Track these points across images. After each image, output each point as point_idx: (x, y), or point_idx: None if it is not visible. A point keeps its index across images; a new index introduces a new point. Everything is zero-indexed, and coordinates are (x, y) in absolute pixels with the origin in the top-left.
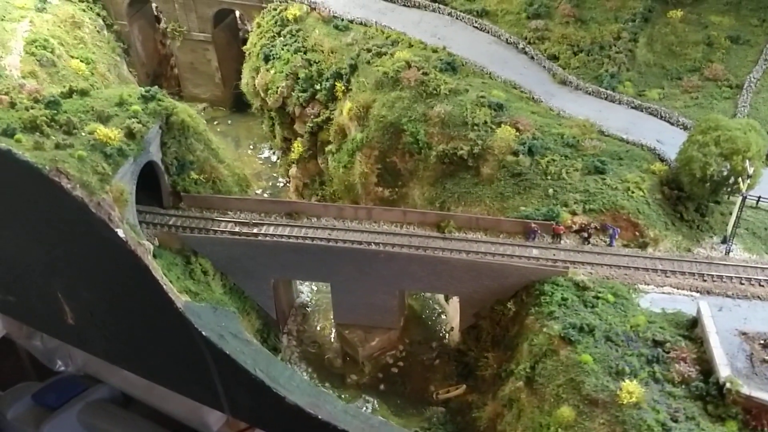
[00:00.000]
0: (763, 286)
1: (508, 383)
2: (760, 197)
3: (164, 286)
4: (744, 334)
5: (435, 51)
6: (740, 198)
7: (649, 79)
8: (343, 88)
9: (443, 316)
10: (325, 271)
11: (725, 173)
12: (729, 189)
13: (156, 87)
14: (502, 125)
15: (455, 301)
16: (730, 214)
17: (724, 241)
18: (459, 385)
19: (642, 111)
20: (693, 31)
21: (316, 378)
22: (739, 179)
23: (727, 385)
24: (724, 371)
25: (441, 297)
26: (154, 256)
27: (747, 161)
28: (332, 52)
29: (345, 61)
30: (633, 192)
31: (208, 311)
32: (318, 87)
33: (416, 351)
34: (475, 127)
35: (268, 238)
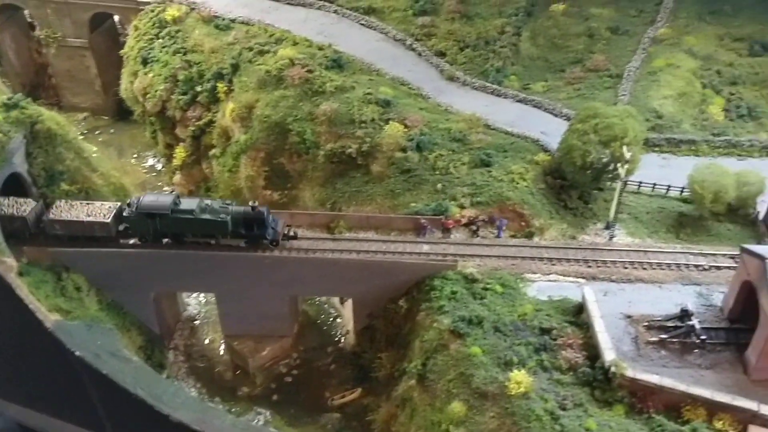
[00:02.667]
0: (645, 269)
1: (401, 383)
2: (641, 182)
3: (31, 306)
4: (629, 317)
5: (321, 49)
6: (621, 184)
7: (533, 72)
8: (225, 88)
9: (339, 320)
10: (209, 280)
11: (605, 160)
12: (610, 175)
13: (19, 94)
14: (391, 122)
15: (350, 303)
16: (613, 200)
17: (607, 227)
18: (355, 389)
19: (527, 104)
20: (575, 24)
21: (206, 393)
22: (618, 165)
23: (613, 368)
24: (609, 355)
25: (336, 300)
26: (21, 273)
27: (624, 147)
28: (213, 53)
29: (226, 61)
30: (518, 183)
31: (81, 330)
32: (199, 89)
33: (311, 357)
34: (363, 125)
35: (146, 250)
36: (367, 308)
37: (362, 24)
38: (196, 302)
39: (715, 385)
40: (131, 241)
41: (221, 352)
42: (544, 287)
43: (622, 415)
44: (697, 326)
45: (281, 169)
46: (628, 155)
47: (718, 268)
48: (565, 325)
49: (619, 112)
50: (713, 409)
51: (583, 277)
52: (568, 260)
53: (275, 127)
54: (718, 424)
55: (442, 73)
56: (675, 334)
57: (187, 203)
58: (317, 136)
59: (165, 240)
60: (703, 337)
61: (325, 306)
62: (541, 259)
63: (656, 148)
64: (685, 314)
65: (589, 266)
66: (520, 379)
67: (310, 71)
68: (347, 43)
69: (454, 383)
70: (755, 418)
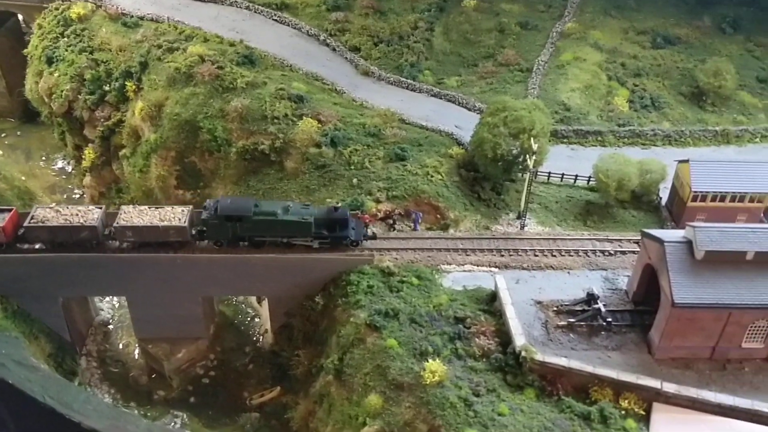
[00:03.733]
0: (555, 256)
1: (318, 379)
2: (550, 173)
3: None
4: (539, 303)
5: (232, 45)
6: (530, 175)
7: (447, 67)
8: (134, 87)
9: (257, 319)
10: (119, 284)
11: (515, 152)
12: (520, 167)
13: None
14: (304, 118)
15: (267, 302)
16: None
17: (519, 217)
18: (273, 388)
19: (441, 99)
20: (486, 19)
21: (120, 399)
22: (527, 156)
23: (523, 353)
24: (519, 341)
25: (254, 299)
26: None
27: (532, 139)
28: (121, 51)
29: (135, 59)
30: (432, 176)
31: None
32: (107, 88)
33: (230, 358)
34: (276, 121)
35: (51, 254)
36: (283, 306)
37: (275, 20)
38: (109, 306)
39: (621, 365)
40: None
41: (136, 357)
42: (460, 277)
43: (533, 399)
44: (603, 309)
45: (193, 168)
46: (535, 146)
47: (623, 253)
48: (478, 313)
49: (527, 105)
50: (619, 388)
51: (497, 266)
52: (482, 250)
53: (185, 125)
54: (624, 403)
55: (356, 68)
56: (582, 318)
57: (269, 205)
58: (229, 134)
59: (242, 243)
60: (608, 319)
61: (243, 306)
62: (456, 250)
63: (565, 140)
64: (591, 298)
65: (502, 255)
66: (434, 368)
67: (220, 68)
68: (260, 39)
69: (370, 376)
70: (659, 395)
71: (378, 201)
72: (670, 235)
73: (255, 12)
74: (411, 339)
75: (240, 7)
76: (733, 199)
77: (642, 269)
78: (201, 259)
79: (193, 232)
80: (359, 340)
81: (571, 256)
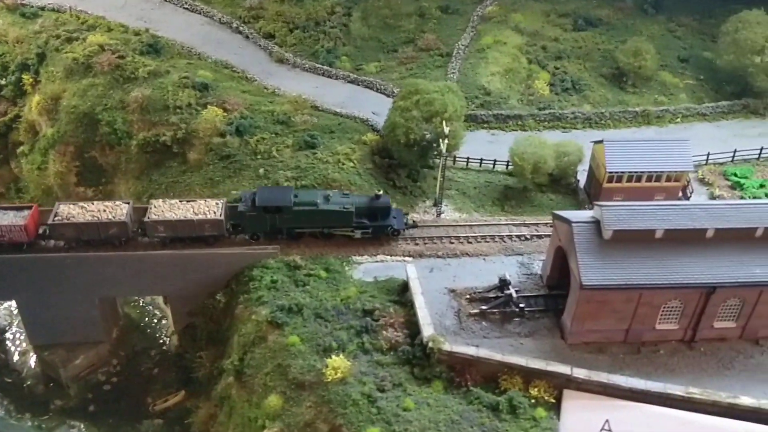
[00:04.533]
0: (471, 242)
1: (220, 381)
2: (469, 158)
3: None
4: (453, 291)
5: (137, 34)
6: (443, 160)
7: (366, 52)
8: (31, 80)
9: (165, 321)
10: (6, 287)
11: (428, 136)
12: (436, 153)
13: None
14: (209, 106)
15: None
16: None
17: (435, 204)
18: (178, 392)
19: (359, 84)
20: (406, 4)
21: (14, 410)
22: (444, 141)
23: (430, 344)
24: (427, 331)
25: (161, 299)
26: None
27: (444, 122)
28: (18, 42)
29: (32, 50)
30: (344, 164)
31: None
32: (3, 82)
33: (134, 362)
34: (178, 111)
35: None
36: (186, 305)
37: (186, 8)
38: (6, 312)
39: (533, 352)
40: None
41: (32, 365)
42: (372, 268)
43: (441, 391)
44: (515, 295)
45: (94, 163)
46: (447, 130)
47: (539, 237)
48: (388, 305)
49: (440, 88)
50: (529, 376)
51: (411, 256)
52: (396, 239)
53: (84, 118)
54: (534, 392)
55: (271, 55)
56: (494, 305)
57: (308, 195)
58: (129, 126)
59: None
60: (521, 305)
61: (150, 307)
62: (367, 241)
63: (485, 125)
64: (503, 284)
65: (417, 244)
66: (337, 364)
67: (121, 57)
68: (169, 27)
69: (271, 376)
70: (569, 382)
71: None
72: (579, 215)
73: (165, 0)
74: (315, 335)
75: None
76: (649, 179)
77: (554, 252)
78: (92, 258)
79: (228, 225)
80: (260, 338)
81: (487, 242)
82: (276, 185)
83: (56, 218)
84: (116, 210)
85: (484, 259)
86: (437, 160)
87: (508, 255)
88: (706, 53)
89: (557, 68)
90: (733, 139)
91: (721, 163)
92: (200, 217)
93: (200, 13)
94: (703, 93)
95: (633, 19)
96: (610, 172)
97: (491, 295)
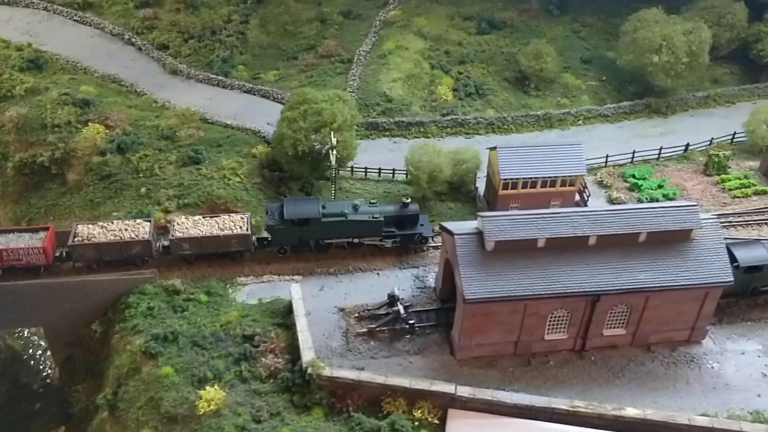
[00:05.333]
0: (364, 257)
1: (96, 415)
2: (367, 168)
3: None
4: (342, 310)
5: (19, 49)
6: (334, 171)
7: (265, 61)
8: None
9: (49, 352)
10: None
11: (318, 147)
12: (329, 164)
13: None
14: (90, 124)
15: None
16: (339, 189)
17: None
18: (58, 429)
19: (255, 94)
20: (307, 9)
21: None
22: (332, 152)
23: (309, 370)
24: (307, 356)
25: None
26: None
27: (332, 133)
28: None
29: None
30: (230, 179)
31: None
32: None
33: (15, 398)
34: (57, 129)
35: None
36: (63, 336)
37: (76, 20)
38: None
39: (422, 370)
40: None
41: None
42: (257, 290)
43: (321, 419)
44: (402, 312)
45: None
46: (335, 141)
47: (436, 248)
48: (270, 329)
49: (330, 97)
50: (413, 397)
51: (300, 274)
52: (285, 257)
53: None
54: (418, 413)
55: (164, 67)
56: (382, 323)
57: (336, 206)
58: (5, 147)
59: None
60: (411, 321)
61: (34, 338)
62: (255, 259)
63: (387, 133)
64: (392, 300)
65: (307, 261)
66: (211, 395)
67: None
68: (56, 41)
69: (143, 410)
70: (454, 401)
71: (167, 210)
72: (461, 227)
73: (54, 13)
74: (190, 365)
75: (37, 9)
76: (544, 184)
77: (444, 264)
78: None
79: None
80: (134, 369)
81: (382, 255)
82: (302, 197)
83: (76, 239)
84: (138, 228)
85: (378, 274)
86: (335, 171)
87: (403, 268)
88: (609, 53)
89: (461, 73)
90: (634, 140)
91: (621, 165)
92: (227, 232)
93: (91, 25)
94: (606, 94)
95: (538, 21)
96: (504, 179)
97: (381, 312)
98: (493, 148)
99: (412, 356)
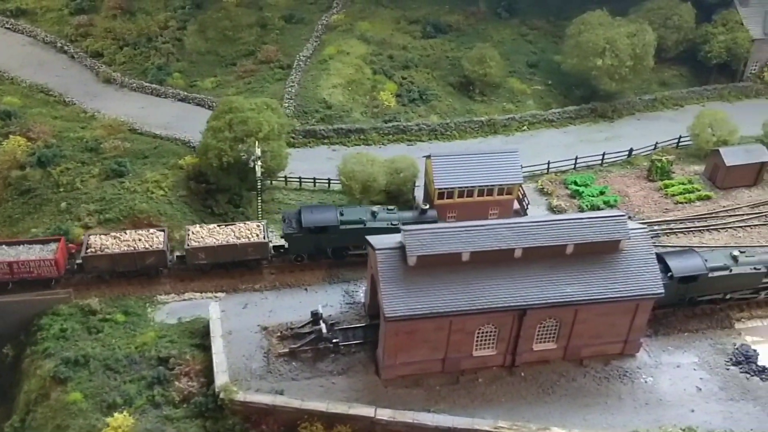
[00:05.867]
0: (292, 272)
1: None
2: (301, 178)
3: None
4: (265, 329)
5: None
6: (259, 182)
7: (202, 68)
8: None
9: None
10: None
11: (244, 158)
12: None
13: None
14: (11, 136)
15: None
16: (272, 200)
17: None
18: None
19: (190, 103)
20: (247, 14)
21: None
22: (256, 162)
23: (221, 394)
24: (220, 379)
25: None
26: None
27: (257, 143)
28: None
29: None
30: (153, 192)
31: None
32: None
33: None
34: None
35: None
36: None
37: (7, 27)
38: None
39: (345, 391)
40: None
41: None
42: (178, 308)
43: None
44: (324, 331)
45: None
46: (258, 151)
47: (364, 263)
48: (186, 350)
49: (257, 105)
50: (331, 421)
51: (224, 291)
52: (208, 274)
53: None
54: None
55: (98, 75)
56: (304, 343)
57: (353, 213)
58: None
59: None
60: (335, 340)
61: None
62: (176, 276)
63: (326, 140)
64: (316, 318)
65: (232, 277)
66: (119, 423)
67: None
68: None
69: None
70: (374, 424)
71: (87, 226)
72: (384, 241)
73: None
74: (101, 390)
75: None
76: (480, 193)
77: (371, 279)
78: None
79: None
80: (43, 395)
81: (311, 270)
82: (319, 204)
83: (89, 250)
84: (152, 238)
85: (306, 290)
86: (266, 182)
87: (333, 283)
88: (556, 57)
89: (404, 78)
90: (579, 145)
91: (564, 171)
92: (243, 240)
93: (23, 33)
94: (552, 98)
95: (485, 24)
96: (439, 188)
97: (304, 331)
98: (428, 157)
99: (336, 377)
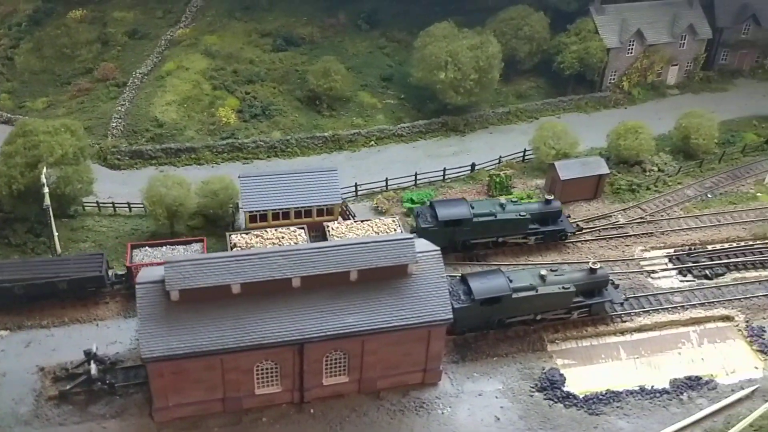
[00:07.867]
0: (86, 306)
1: None
2: (114, 203)
3: None
4: (42, 369)
5: None
6: (48, 211)
7: (34, 87)
8: None
9: None
10: None
11: (40, 183)
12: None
13: None
14: None
15: None
16: (82, 227)
17: None
18: None
19: (13, 125)
20: (89, 31)
21: None
22: (43, 189)
23: None
24: None
25: None
26: None
27: (46, 168)
28: None
29: None
30: None
31: None
32: None
33: None
34: None
35: None
36: None
37: None
38: None
39: None
40: None
41: None
42: None
43: None
44: (94, 371)
45: None
46: (43, 178)
47: None
48: None
49: (54, 128)
50: None
51: (7, 328)
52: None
53: None
54: None
55: None
56: (75, 384)
57: (483, 205)
58: None
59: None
60: (110, 381)
61: None
62: None
63: (154, 161)
64: (89, 357)
65: (18, 314)
66: None
67: None
68: None
69: None
70: None
71: None
72: (146, 274)
73: None
74: None
75: None
76: (298, 215)
77: None
78: None
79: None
80: None
81: (106, 304)
82: (450, 199)
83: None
84: (296, 236)
85: (97, 325)
86: (79, 209)
87: (128, 317)
88: (410, 70)
89: (248, 93)
90: (426, 160)
91: (405, 188)
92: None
93: None
94: (404, 112)
95: (342, 37)
96: (249, 211)
97: (79, 371)
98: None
99: (108, 420)
